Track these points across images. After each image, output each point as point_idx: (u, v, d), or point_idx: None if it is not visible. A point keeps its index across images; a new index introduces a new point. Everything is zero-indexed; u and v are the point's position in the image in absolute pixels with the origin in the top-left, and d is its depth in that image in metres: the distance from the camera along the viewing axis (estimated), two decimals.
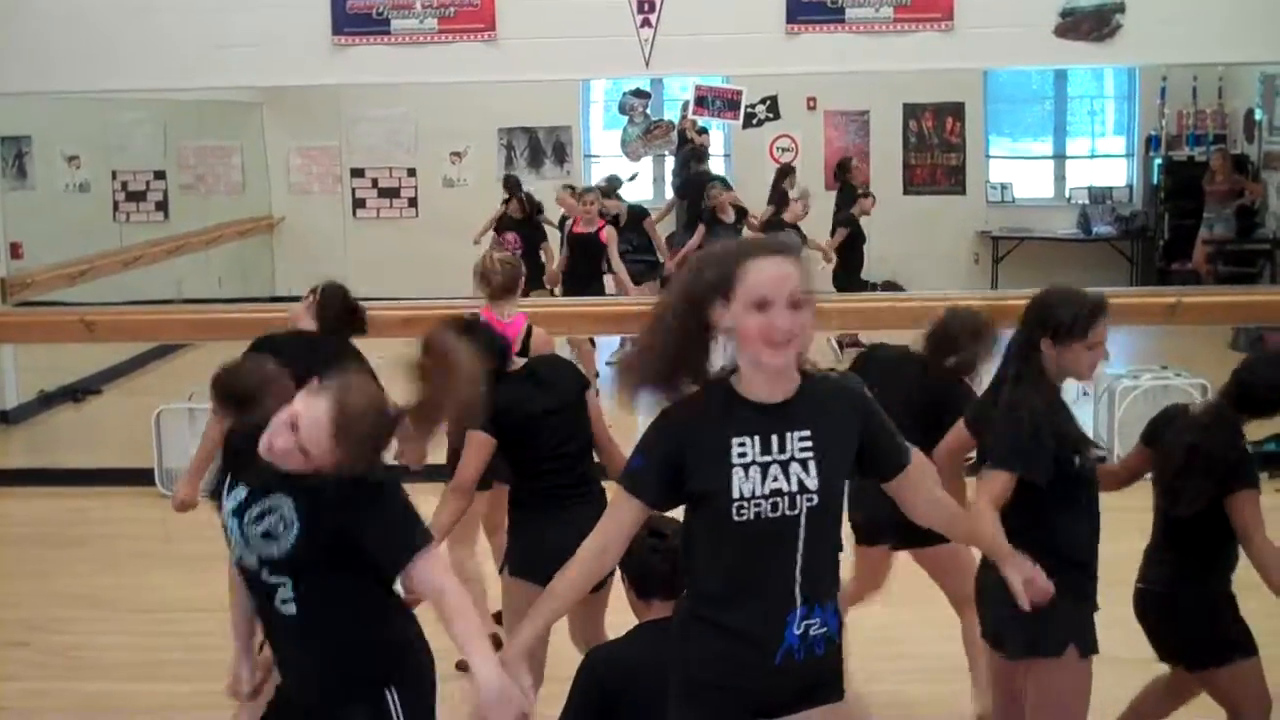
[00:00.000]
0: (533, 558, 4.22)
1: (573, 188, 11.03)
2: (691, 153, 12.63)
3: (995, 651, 3.67)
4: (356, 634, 3.11)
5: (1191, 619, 3.81)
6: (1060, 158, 15.44)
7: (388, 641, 3.16)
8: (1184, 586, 3.80)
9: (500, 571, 4.49)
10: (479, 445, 4.30)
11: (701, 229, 11.34)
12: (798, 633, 2.71)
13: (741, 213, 11.24)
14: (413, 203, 15.23)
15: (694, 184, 12.01)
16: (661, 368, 2.71)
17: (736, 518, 2.66)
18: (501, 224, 10.97)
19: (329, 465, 2.98)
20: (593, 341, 9.83)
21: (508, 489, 4.57)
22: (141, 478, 8.03)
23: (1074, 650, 3.46)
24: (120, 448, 8.64)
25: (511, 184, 11.46)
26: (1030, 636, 3.45)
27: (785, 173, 12.10)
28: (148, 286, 12.12)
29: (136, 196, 14.64)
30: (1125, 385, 7.77)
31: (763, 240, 2.89)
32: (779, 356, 2.63)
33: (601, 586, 4.07)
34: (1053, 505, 3.46)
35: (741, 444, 2.68)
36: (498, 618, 5.02)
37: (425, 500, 5.76)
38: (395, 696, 3.13)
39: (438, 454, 5.52)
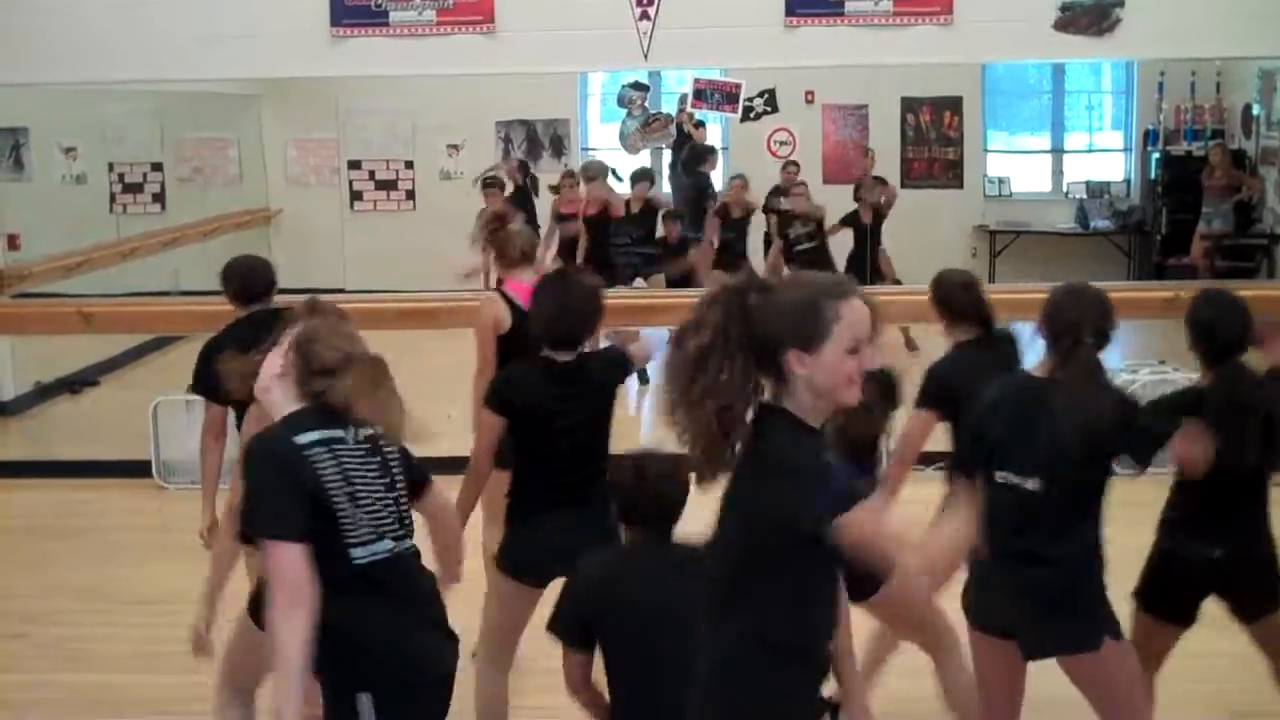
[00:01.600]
0: (521, 557, 4.24)
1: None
2: (690, 151, 12.65)
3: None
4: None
5: (1267, 571, 3.95)
6: (1058, 152, 15.44)
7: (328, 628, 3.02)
8: (1257, 545, 3.94)
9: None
10: (484, 425, 4.26)
11: (717, 222, 11.33)
12: None
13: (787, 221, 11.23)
14: (410, 195, 15.22)
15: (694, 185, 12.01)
16: (721, 434, 2.56)
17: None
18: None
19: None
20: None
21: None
22: (139, 469, 8.03)
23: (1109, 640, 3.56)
24: (117, 439, 8.63)
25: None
26: (1069, 634, 3.54)
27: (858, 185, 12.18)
28: (145, 278, 12.11)
29: (133, 188, 14.63)
30: (1123, 380, 7.79)
31: (832, 280, 2.71)
32: (857, 392, 2.60)
33: None
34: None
35: None
36: None
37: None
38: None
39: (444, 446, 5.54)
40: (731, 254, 11.28)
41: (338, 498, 3.06)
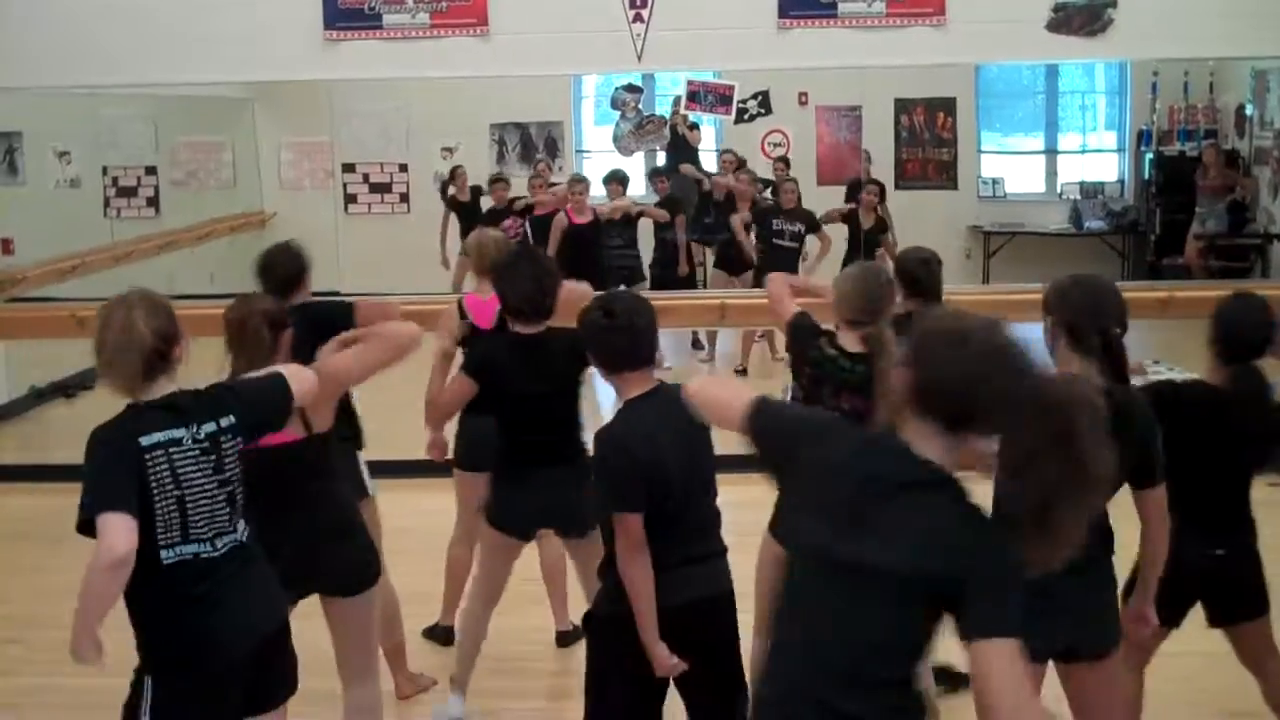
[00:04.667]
0: (504, 512, 4.68)
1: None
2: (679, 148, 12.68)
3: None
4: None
5: (1259, 570, 4.02)
6: (1052, 153, 15.46)
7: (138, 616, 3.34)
8: (1252, 543, 4.00)
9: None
10: (456, 384, 4.62)
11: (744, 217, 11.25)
12: None
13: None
14: (404, 198, 15.22)
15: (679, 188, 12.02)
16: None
17: None
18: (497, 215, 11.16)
19: None
20: None
21: None
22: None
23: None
24: None
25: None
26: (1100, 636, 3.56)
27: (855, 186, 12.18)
28: (139, 282, 11.75)
29: (128, 192, 14.61)
30: None
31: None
32: None
33: (586, 535, 4.47)
34: None
35: None
36: None
37: (404, 494, 5.79)
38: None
39: (417, 448, 5.55)
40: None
41: (161, 501, 3.25)
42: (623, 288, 8.70)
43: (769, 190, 11.84)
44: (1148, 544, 3.67)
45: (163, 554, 3.27)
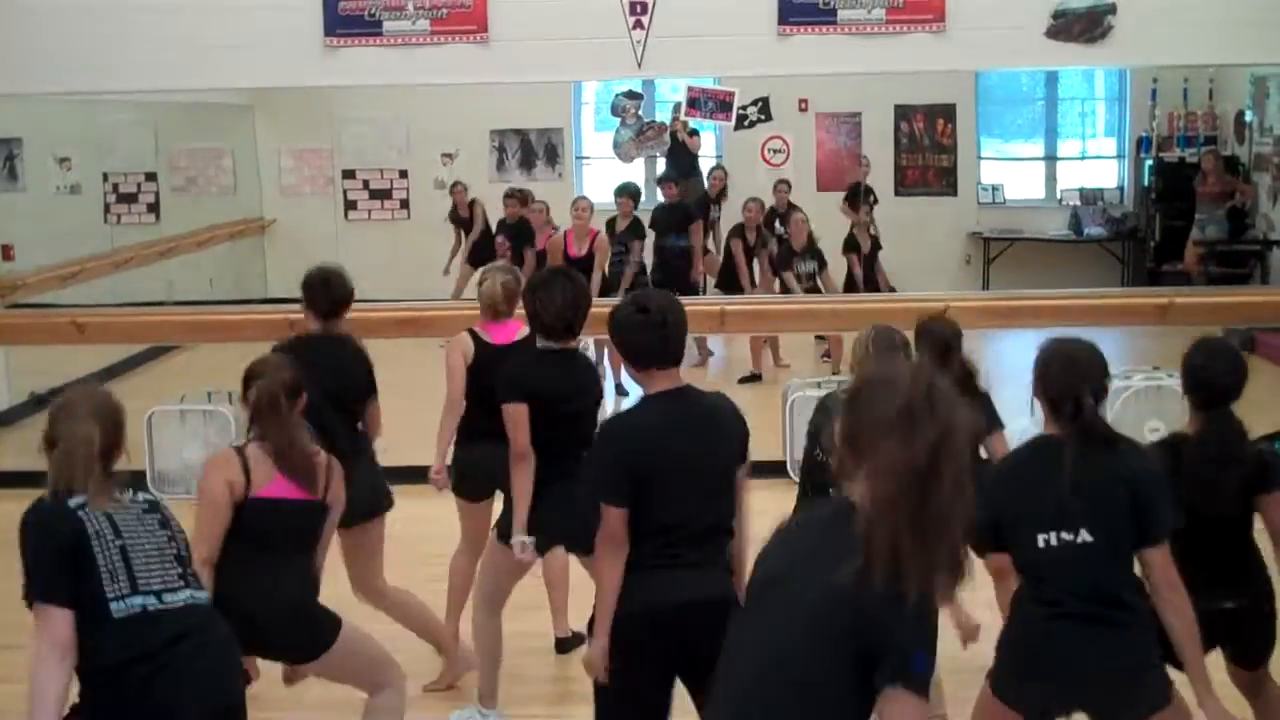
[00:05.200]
0: (509, 529, 4.67)
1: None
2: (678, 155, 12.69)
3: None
4: None
5: (1272, 620, 3.97)
6: (1051, 159, 15.47)
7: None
8: (1263, 589, 3.95)
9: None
10: (514, 419, 4.59)
11: (739, 244, 11.25)
12: None
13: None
14: (404, 204, 15.22)
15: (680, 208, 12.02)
16: None
17: None
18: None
19: None
20: None
21: None
22: (133, 480, 8.00)
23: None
24: None
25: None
26: (1147, 697, 3.50)
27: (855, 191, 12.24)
28: (139, 288, 12.11)
29: (128, 198, 14.64)
30: (1117, 386, 7.78)
31: None
32: None
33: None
34: None
35: None
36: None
37: (417, 502, 5.79)
38: None
39: (418, 455, 5.56)
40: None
41: (103, 552, 3.25)
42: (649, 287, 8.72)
43: (776, 220, 11.78)
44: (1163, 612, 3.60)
45: (113, 606, 3.24)
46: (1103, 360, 3.67)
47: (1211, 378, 3.96)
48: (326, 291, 5.19)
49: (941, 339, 4.61)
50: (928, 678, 2.35)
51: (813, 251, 10.86)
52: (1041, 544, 3.47)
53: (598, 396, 4.71)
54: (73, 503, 3.29)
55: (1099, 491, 3.45)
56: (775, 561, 2.52)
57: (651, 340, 3.67)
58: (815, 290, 10.66)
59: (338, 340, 5.20)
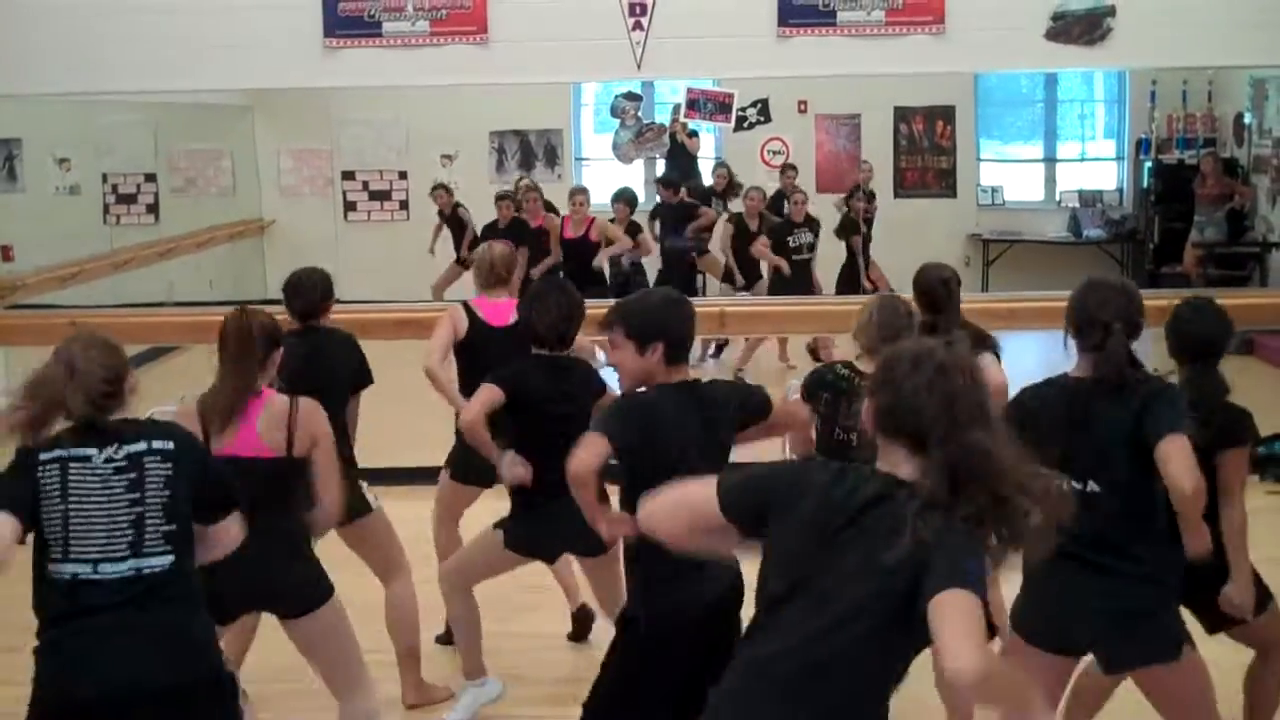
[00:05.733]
0: (527, 542, 4.73)
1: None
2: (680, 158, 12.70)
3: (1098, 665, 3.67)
4: None
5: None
6: (1050, 161, 15.48)
7: None
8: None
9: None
10: (483, 391, 4.59)
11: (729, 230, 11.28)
12: None
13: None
14: (404, 205, 15.23)
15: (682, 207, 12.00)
16: None
17: None
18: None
19: None
20: None
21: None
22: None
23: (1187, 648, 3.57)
24: None
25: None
26: (1145, 646, 3.52)
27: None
28: (138, 289, 12.11)
29: (127, 199, 14.65)
30: None
31: None
32: None
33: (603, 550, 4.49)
34: None
35: None
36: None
37: (404, 502, 5.80)
38: None
39: (416, 456, 5.55)
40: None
41: (47, 515, 3.19)
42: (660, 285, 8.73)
43: (784, 201, 11.83)
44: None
45: (49, 568, 3.22)
46: (1138, 297, 3.66)
47: (1197, 330, 3.98)
48: (295, 296, 5.13)
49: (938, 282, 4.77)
50: (984, 581, 2.37)
51: (812, 226, 10.88)
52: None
53: (591, 398, 4.66)
54: (43, 455, 3.19)
55: (1109, 441, 3.46)
56: (811, 554, 2.51)
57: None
58: (810, 264, 10.74)
59: (311, 340, 5.06)
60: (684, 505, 2.74)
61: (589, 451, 3.55)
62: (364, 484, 5.07)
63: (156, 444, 3.25)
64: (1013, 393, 3.88)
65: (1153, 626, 3.54)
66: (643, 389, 3.69)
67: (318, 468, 4.01)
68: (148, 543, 3.21)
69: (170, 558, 3.23)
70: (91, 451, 3.20)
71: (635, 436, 3.56)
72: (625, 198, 11.29)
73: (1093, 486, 3.47)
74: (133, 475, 3.21)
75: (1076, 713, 4.14)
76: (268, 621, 4.31)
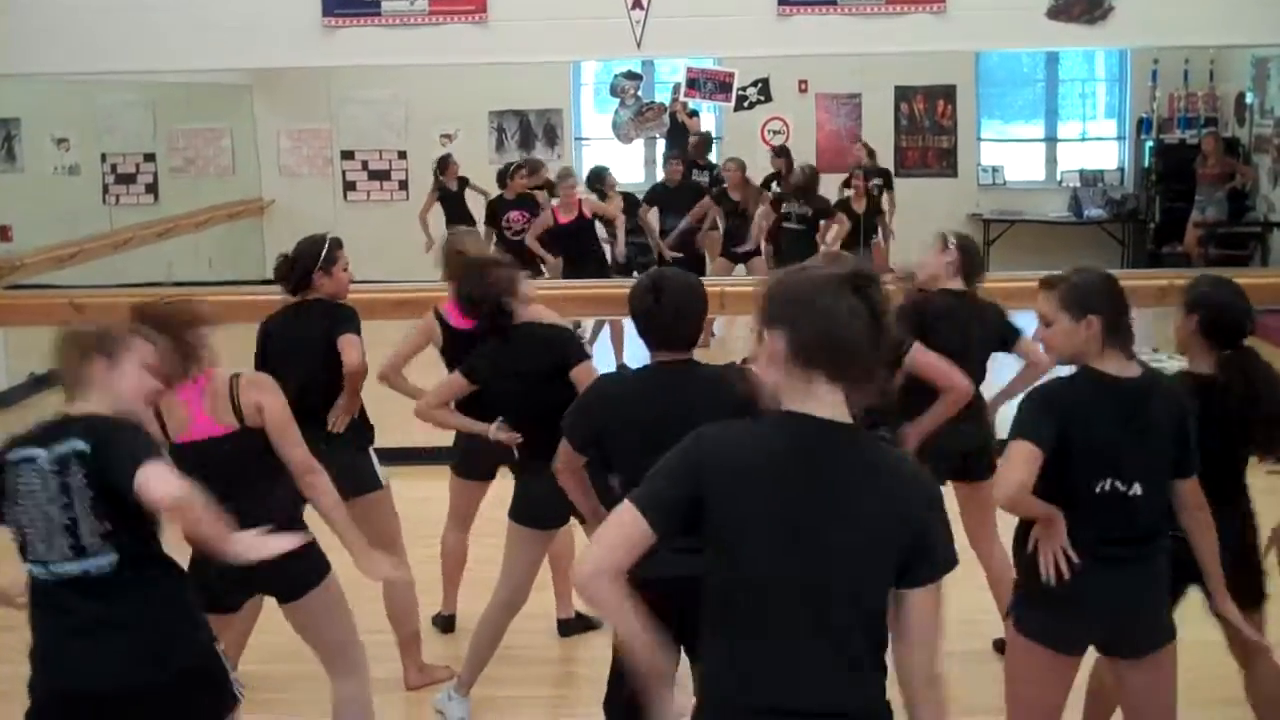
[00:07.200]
0: (530, 509, 4.71)
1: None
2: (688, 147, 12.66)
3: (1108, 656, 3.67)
4: None
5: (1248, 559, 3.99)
6: (1052, 140, 15.45)
7: None
8: (1242, 534, 3.95)
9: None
10: (448, 381, 4.78)
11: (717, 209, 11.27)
12: None
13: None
14: (403, 185, 15.21)
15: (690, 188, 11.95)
16: None
17: None
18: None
19: None
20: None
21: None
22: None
23: None
24: None
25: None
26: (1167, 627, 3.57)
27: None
28: (138, 269, 12.09)
29: (126, 179, 14.64)
30: None
31: None
32: None
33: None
34: None
35: None
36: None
37: (411, 482, 5.80)
38: None
39: (425, 436, 5.56)
40: (732, 241, 11.30)
41: (11, 516, 3.22)
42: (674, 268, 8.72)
43: (775, 182, 11.82)
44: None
45: (26, 566, 3.28)
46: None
47: (1239, 316, 3.91)
48: (283, 269, 5.16)
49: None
50: None
51: (808, 197, 10.81)
52: (1098, 490, 3.42)
53: (564, 364, 4.52)
54: (8, 456, 3.20)
55: (1153, 443, 3.44)
56: (780, 505, 2.43)
57: (664, 323, 3.68)
58: (806, 235, 10.66)
59: (299, 316, 5.09)
60: (618, 545, 2.49)
61: (561, 456, 3.72)
62: (375, 458, 5.07)
63: (79, 445, 3.15)
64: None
65: (1168, 610, 3.62)
66: (613, 373, 3.73)
67: (270, 434, 3.91)
68: (87, 544, 3.17)
69: (113, 556, 3.18)
70: (38, 452, 3.17)
71: (589, 432, 3.67)
72: (600, 174, 11.29)
73: (1136, 490, 3.42)
74: (63, 479, 3.15)
75: (1096, 713, 4.14)
76: (269, 601, 4.31)
